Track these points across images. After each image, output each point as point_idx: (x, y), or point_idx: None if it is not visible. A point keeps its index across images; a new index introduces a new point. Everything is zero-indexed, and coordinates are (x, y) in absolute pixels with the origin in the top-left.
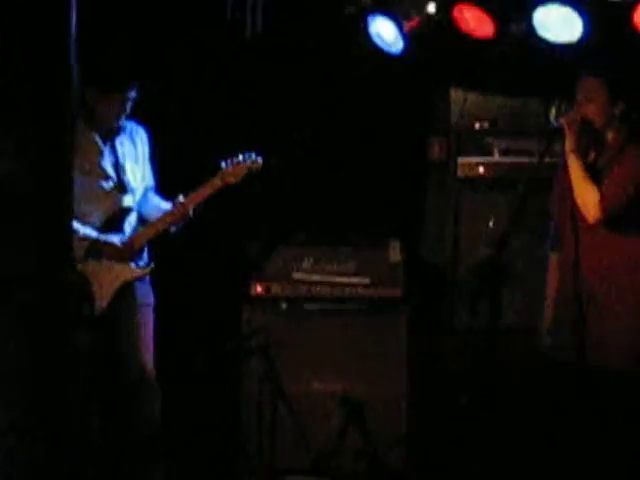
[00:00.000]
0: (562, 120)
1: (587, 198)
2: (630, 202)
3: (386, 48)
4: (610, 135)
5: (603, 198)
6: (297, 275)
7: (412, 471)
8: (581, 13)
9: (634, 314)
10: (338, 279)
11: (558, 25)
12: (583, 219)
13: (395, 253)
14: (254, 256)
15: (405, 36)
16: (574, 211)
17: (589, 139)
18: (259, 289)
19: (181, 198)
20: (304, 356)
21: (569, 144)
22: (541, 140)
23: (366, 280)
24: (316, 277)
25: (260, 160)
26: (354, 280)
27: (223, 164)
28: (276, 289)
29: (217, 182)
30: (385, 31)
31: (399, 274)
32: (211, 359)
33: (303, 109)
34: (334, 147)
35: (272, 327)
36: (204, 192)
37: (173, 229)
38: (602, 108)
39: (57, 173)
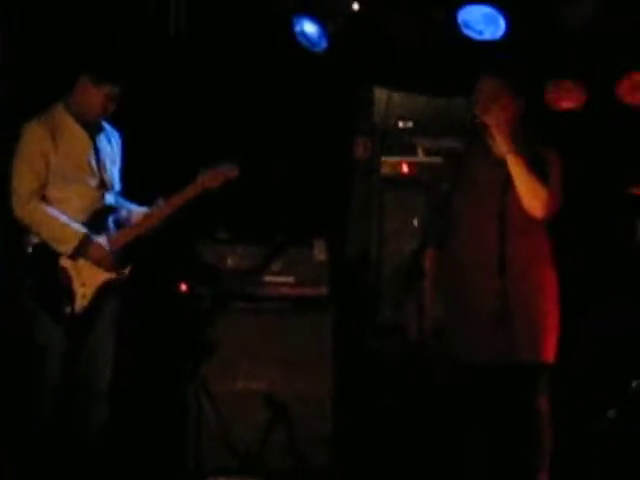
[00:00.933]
0: (486, 120)
1: (537, 195)
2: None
3: (310, 47)
4: (515, 133)
5: (552, 195)
6: (221, 274)
7: (337, 469)
8: (503, 12)
9: (543, 309)
10: (263, 278)
11: (481, 24)
12: (514, 217)
13: (320, 252)
14: (179, 254)
15: (329, 35)
16: (503, 209)
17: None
18: (184, 288)
19: (161, 202)
20: (229, 355)
21: (504, 145)
22: (465, 139)
23: (291, 279)
24: (240, 276)
25: (237, 168)
26: (279, 279)
27: (202, 170)
28: (201, 288)
29: (197, 187)
30: (309, 30)
31: (324, 273)
32: (138, 360)
33: (227, 108)
34: (259, 146)
35: (197, 326)
36: (184, 197)
37: (147, 233)
38: (507, 106)
39: None
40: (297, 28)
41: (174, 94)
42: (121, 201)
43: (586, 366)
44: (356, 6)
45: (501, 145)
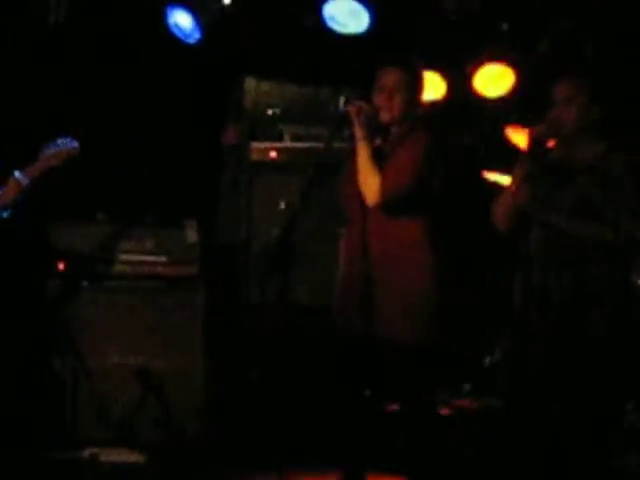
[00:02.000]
0: (350, 108)
1: (369, 182)
2: (412, 188)
3: (184, 38)
4: (397, 123)
5: (382, 183)
6: (97, 253)
7: (208, 440)
8: (367, 6)
9: (413, 289)
10: (137, 257)
11: (346, 17)
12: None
13: (192, 233)
14: (56, 235)
15: (202, 26)
16: (362, 194)
17: (377, 126)
18: (61, 267)
19: (10, 185)
20: (104, 331)
21: (358, 132)
22: (330, 127)
23: (163, 258)
24: (115, 255)
25: (77, 144)
26: (152, 258)
27: (45, 148)
28: (77, 267)
29: (40, 165)
30: (183, 22)
31: (195, 253)
32: (18, 334)
33: (105, 96)
34: (135, 131)
35: (73, 303)
36: (31, 173)
37: (4, 215)
38: (405, 98)
39: None
40: (171, 20)
41: (54, 82)
42: None
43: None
44: (227, 0)
45: (357, 132)
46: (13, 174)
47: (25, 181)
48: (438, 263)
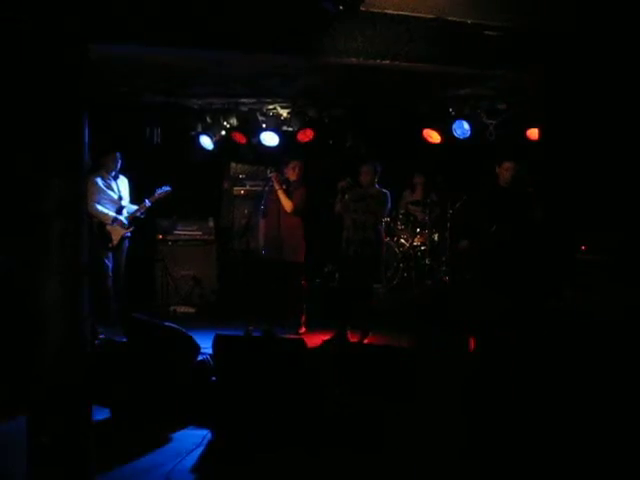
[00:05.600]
0: (272, 175)
1: (288, 204)
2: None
3: (206, 147)
4: (293, 182)
5: (294, 205)
6: (175, 231)
7: (219, 305)
8: (279, 135)
9: (293, 239)
10: (190, 232)
11: (269, 138)
12: (284, 209)
13: (210, 222)
14: (162, 223)
15: (214, 143)
16: (279, 206)
17: (284, 182)
18: (161, 236)
19: (141, 205)
20: (178, 261)
21: (277, 186)
22: (264, 181)
23: (200, 232)
24: (182, 232)
25: (170, 189)
26: (195, 232)
27: (158, 189)
28: (167, 236)
29: (155, 197)
30: (205, 141)
31: (212, 230)
32: (144, 264)
33: (186, 173)
34: (192, 185)
35: (165, 251)
36: (152, 201)
37: (140, 216)
38: (296, 171)
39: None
40: (201, 141)
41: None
42: (126, 204)
43: None
44: (223, 132)
45: (276, 186)
46: (144, 200)
47: (149, 205)
48: (304, 234)
